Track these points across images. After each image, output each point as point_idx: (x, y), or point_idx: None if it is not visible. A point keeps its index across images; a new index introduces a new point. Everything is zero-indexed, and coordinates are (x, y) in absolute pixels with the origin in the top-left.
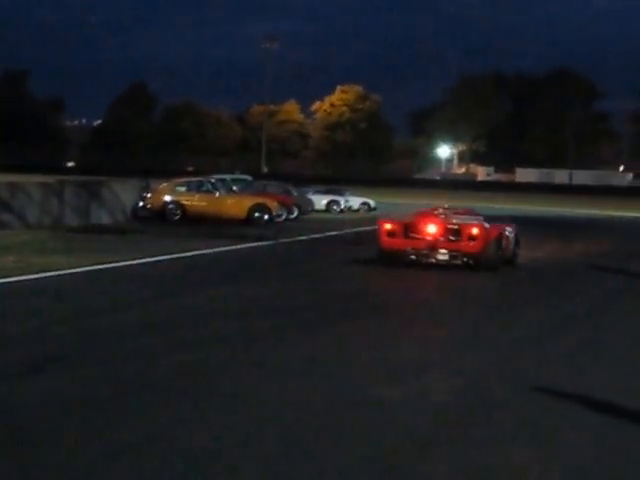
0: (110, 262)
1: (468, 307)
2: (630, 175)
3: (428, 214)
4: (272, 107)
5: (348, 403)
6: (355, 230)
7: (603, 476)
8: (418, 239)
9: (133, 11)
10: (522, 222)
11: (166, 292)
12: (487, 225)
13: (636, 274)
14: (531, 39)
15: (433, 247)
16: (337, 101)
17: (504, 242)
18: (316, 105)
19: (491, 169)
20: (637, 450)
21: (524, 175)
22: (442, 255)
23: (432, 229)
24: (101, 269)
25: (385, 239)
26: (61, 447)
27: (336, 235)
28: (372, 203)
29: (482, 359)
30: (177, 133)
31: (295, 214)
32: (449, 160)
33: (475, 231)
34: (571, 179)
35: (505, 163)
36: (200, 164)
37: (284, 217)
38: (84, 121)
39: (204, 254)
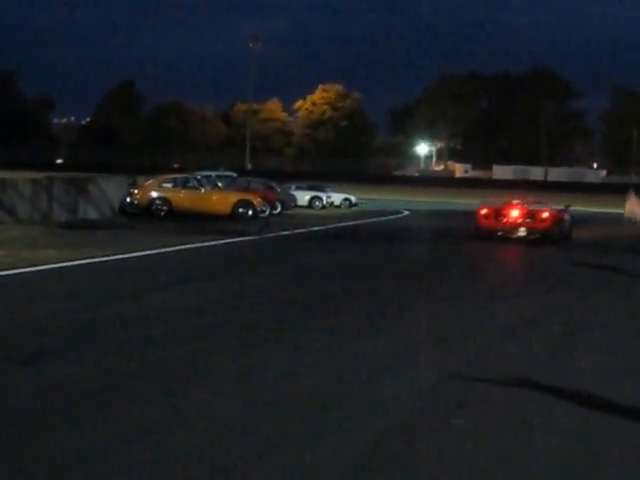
0: (99, 256)
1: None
2: (603, 172)
3: (512, 203)
4: (255, 105)
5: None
6: (338, 225)
7: (585, 466)
8: (505, 221)
9: (121, 12)
10: None
11: (154, 285)
12: (553, 211)
13: None
14: (509, 39)
15: (516, 226)
16: (318, 99)
17: (563, 223)
18: (298, 103)
19: (468, 166)
20: (610, 438)
21: (501, 172)
22: (522, 232)
23: (515, 213)
24: (90, 263)
25: (482, 220)
26: (52, 436)
27: (319, 230)
28: (353, 199)
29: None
30: (163, 131)
31: (278, 210)
32: (428, 157)
33: (545, 215)
34: (546, 176)
35: (482, 160)
36: (186, 161)
37: (268, 213)
38: (73, 119)
39: (190, 249)
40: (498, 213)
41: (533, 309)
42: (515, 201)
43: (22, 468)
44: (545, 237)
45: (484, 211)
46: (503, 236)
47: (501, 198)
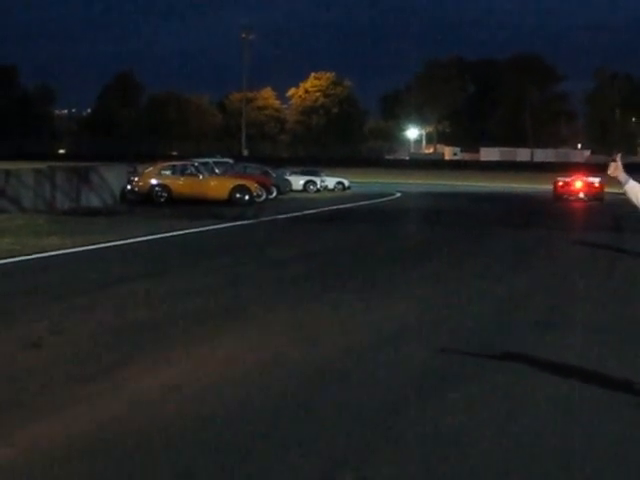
0: (102, 242)
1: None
2: (588, 152)
3: (576, 177)
4: (250, 94)
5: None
6: (332, 208)
7: (568, 438)
8: (572, 188)
9: (119, 4)
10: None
11: (156, 269)
12: (601, 181)
13: None
14: (495, 26)
15: (578, 192)
16: (311, 87)
17: (604, 189)
18: (291, 91)
19: (457, 149)
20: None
21: (488, 154)
22: (582, 196)
23: (578, 184)
24: (93, 249)
25: (558, 188)
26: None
27: (314, 213)
28: (346, 182)
29: None
30: (162, 120)
31: (274, 194)
32: (418, 141)
33: (597, 184)
34: (532, 157)
35: (470, 143)
36: (184, 149)
37: (264, 197)
38: (74, 110)
39: (192, 233)
40: (568, 184)
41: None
42: (578, 175)
43: None
44: (597, 199)
45: (560, 183)
46: (569, 198)
47: (570, 175)
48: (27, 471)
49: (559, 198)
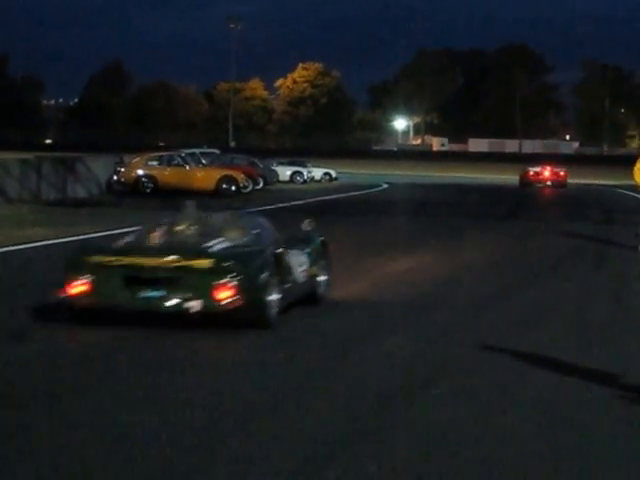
0: (87, 233)
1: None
2: (576, 144)
3: (544, 167)
4: (237, 84)
5: None
6: (319, 199)
7: (557, 435)
8: (541, 177)
9: None
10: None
11: None
12: (565, 171)
13: None
14: (485, 16)
15: (547, 180)
16: (299, 78)
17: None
18: (279, 82)
19: (445, 140)
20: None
21: (476, 145)
22: (549, 183)
23: (547, 173)
24: (79, 239)
25: (529, 177)
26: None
27: (300, 204)
28: (333, 173)
29: None
30: (149, 110)
31: (261, 185)
32: (405, 132)
33: (563, 173)
34: (520, 148)
35: (458, 134)
36: (171, 139)
37: (250, 188)
38: (61, 100)
39: None
40: (537, 173)
41: None
42: (546, 166)
43: None
44: (562, 186)
45: (531, 172)
46: (538, 185)
47: (538, 165)
48: None
49: (527, 185)
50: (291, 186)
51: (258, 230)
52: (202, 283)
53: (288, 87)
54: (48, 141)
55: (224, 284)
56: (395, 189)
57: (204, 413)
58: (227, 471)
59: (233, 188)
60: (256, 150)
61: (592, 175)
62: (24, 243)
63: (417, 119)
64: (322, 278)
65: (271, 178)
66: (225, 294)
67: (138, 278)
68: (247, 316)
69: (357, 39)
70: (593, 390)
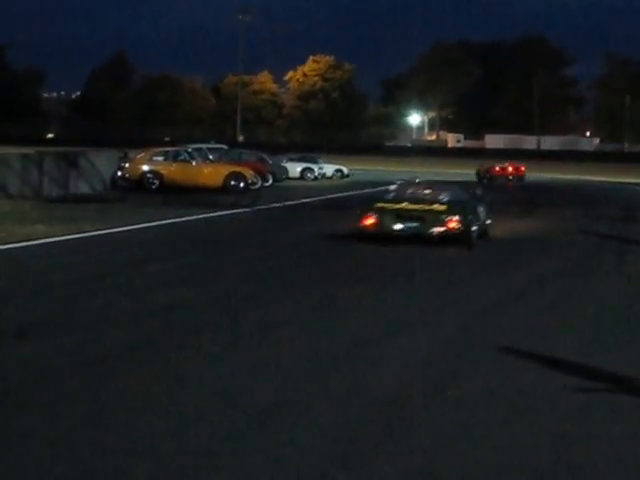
0: (90, 231)
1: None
2: (597, 140)
3: (510, 163)
4: (246, 77)
5: None
6: (329, 197)
7: (576, 435)
8: (505, 172)
9: None
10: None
11: (143, 259)
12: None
13: None
14: (501, 7)
15: (510, 174)
16: (309, 71)
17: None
18: (289, 75)
19: (461, 136)
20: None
21: (493, 141)
22: (511, 177)
23: (510, 169)
24: (81, 237)
25: (494, 171)
26: (47, 407)
27: (310, 202)
28: (345, 170)
29: None
30: (154, 104)
31: (270, 182)
32: (420, 127)
33: (523, 169)
34: (539, 145)
35: (475, 130)
36: (176, 134)
37: (259, 185)
38: (63, 93)
39: (183, 222)
40: (504, 168)
41: None
42: (507, 163)
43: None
44: (521, 180)
45: (497, 168)
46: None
47: (499, 162)
48: None
49: (491, 179)
50: (301, 183)
51: (463, 192)
52: (441, 219)
53: (298, 80)
54: (50, 135)
55: (453, 220)
56: None
57: None
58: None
59: (241, 185)
60: (265, 145)
61: (613, 173)
62: (25, 241)
63: (432, 114)
64: (488, 222)
65: (280, 175)
66: (453, 225)
67: (404, 216)
68: (462, 238)
69: (370, 31)
70: (614, 394)
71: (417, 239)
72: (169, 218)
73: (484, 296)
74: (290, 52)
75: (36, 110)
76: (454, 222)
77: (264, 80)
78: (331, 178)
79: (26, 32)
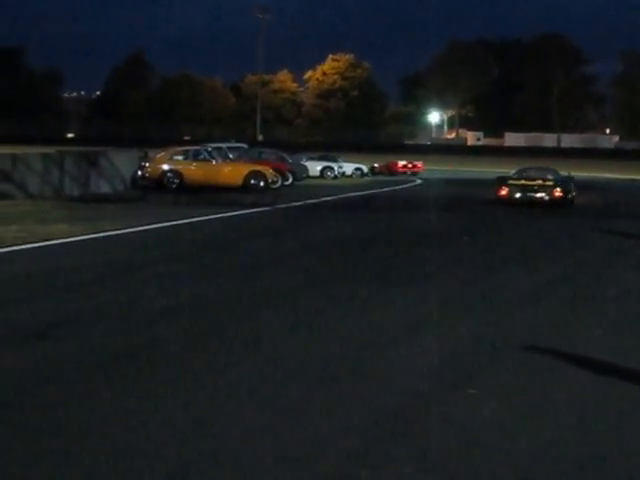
0: (111, 230)
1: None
2: (616, 138)
3: (409, 161)
4: (265, 76)
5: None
6: (350, 195)
7: (599, 434)
8: (405, 168)
9: None
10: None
11: (165, 257)
12: (422, 164)
13: None
14: (519, 4)
15: (407, 170)
16: (329, 69)
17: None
18: (308, 74)
19: (480, 134)
20: (623, 406)
21: (513, 139)
22: (409, 172)
23: (410, 165)
24: (102, 237)
25: (396, 167)
26: (66, 408)
27: (331, 200)
28: (365, 169)
29: None
30: (174, 103)
31: (290, 180)
32: (439, 126)
33: (420, 165)
34: (559, 142)
35: (494, 128)
36: (196, 133)
37: (279, 184)
38: (83, 93)
39: (204, 221)
40: (406, 165)
41: None
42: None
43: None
44: (415, 174)
45: (400, 164)
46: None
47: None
48: None
49: (394, 173)
50: (321, 182)
51: (559, 174)
52: (549, 190)
53: (318, 79)
54: (70, 135)
55: (557, 190)
56: (430, 184)
57: None
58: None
59: (261, 184)
60: (285, 144)
61: (634, 170)
62: (46, 240)
63: (452, 112)
64: (574, 194)
65: (300, 173)
66: (557, 194)
67: (524, 188)
68: (562, 203)
69: (388, 29)
70: (636, 393)
71: (532, 204)
72: (190, 217)
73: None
74: (308, 51)
75: (56, 110)
76: (558, 192)
77: (284, 79)
78: (351, 177)
79: (45, 33)
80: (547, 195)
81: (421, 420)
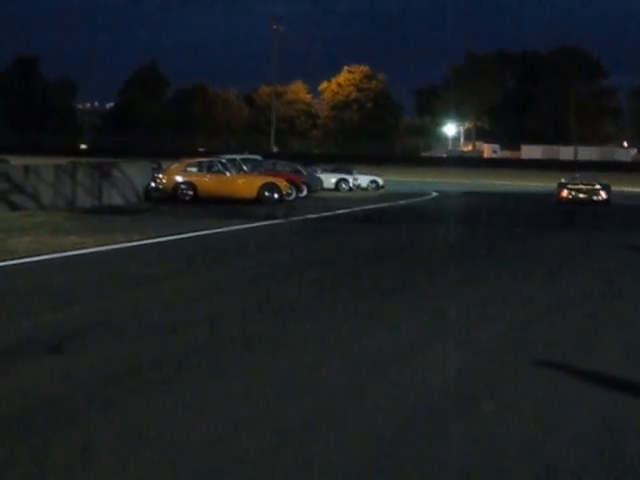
0: (124, 242)
1: None
2: (634, 150)
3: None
4: (280, 88)
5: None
6: (365, 208)
7: (604, 450)
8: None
9: None
10: None
11: (179, 270)
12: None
13: None
14: (537, 17)
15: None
16: (344, 81)
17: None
18: (323, 85)
19: (497, 146)
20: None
21: (530, 152)
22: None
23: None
24: (115, 249)
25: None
26: (80, 420)
27: (346, 213)
28: (380, 181)
29: None
30: (187, 114)
31: (304, 193)
32: (456, 138)
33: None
34: (576, 155)
35: (511, 140)
36: (210, 145)
37: (294, 196)
38: (97, 104)
39: (218, 233)
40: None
41: None
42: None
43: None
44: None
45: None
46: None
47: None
48: None
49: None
50: (336, 194)
51: (602, 180)
52: (598, 193)
53: (332, 91)
54: (83, 146)
55: (603, 193)
56: (446, 197)
57: None
58: None
59: (276, 196)
60: (299, 156)
61: None
62: (59, 252)
63: (468, 124)
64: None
65: (315, 186)
66: (603, 196)
67: (579, 191)
68: (606, 202)
69: (404, 41)
70: None
71: (583, 203)
72: (203, 229)
73: None
74: (323, 63)
75: (70, 121)
76: (604, 194)
77: (298, 90)
78: (366, 189)
79: (60, 44)
80: (596, 196)
81: (435, 437)
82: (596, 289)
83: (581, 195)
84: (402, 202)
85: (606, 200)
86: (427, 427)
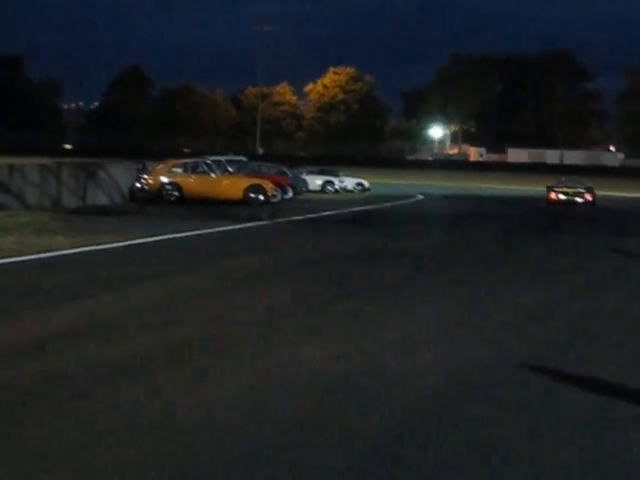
0: (107, 242)
1: None
2: (621, 155)
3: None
4: (266, 89)
5: None
6: (350, 210)
7: (602, 455)
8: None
9: None
10: None
11: (163, 271)
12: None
13: None
14: (522, 20)
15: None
16: (330, 83)
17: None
18: (309, 87)
19: (483, 150)
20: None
21: (516, 155)
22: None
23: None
24: (100, 249)
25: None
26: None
27: (332, 215)
28: (366, 184)
29: None
30: (173, 115)
31: (290, 194)
32: (442, 141)
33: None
34: (562, 159)
35: (497, 143)
36: (196, 146)
37: (279, 198)
38: (81, 104)
39: (203, 234)
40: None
41: None
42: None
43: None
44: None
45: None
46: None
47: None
48: None
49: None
50: (322, 196)
51: (586, 183)
52: (582, 194)
53: (318, 92)
54: (68, 146)
55: (587, 194)
56: (431, 200)
57: None
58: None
59: (261, 197)
60: (285, 157)
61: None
62: (44, 252)
63: (454, 127)
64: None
65: (300, 187)
66: (588, 198)
67: (565, 193)
68: (591, 204)
69: (390, 43)
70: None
71: (570, 204)
72: (188, 230)
73: None
74: (309, 64)
75: (54, 121)
76: (589, 196)
77: (283, 92)
78: (352, 191)
79: (45, 43)
80: (581, 198)
81: (425, 437)
82: (583, 291)
83: (568, 197)
84: (388, 204)
85: (591, 202)
86: (418, 424)
